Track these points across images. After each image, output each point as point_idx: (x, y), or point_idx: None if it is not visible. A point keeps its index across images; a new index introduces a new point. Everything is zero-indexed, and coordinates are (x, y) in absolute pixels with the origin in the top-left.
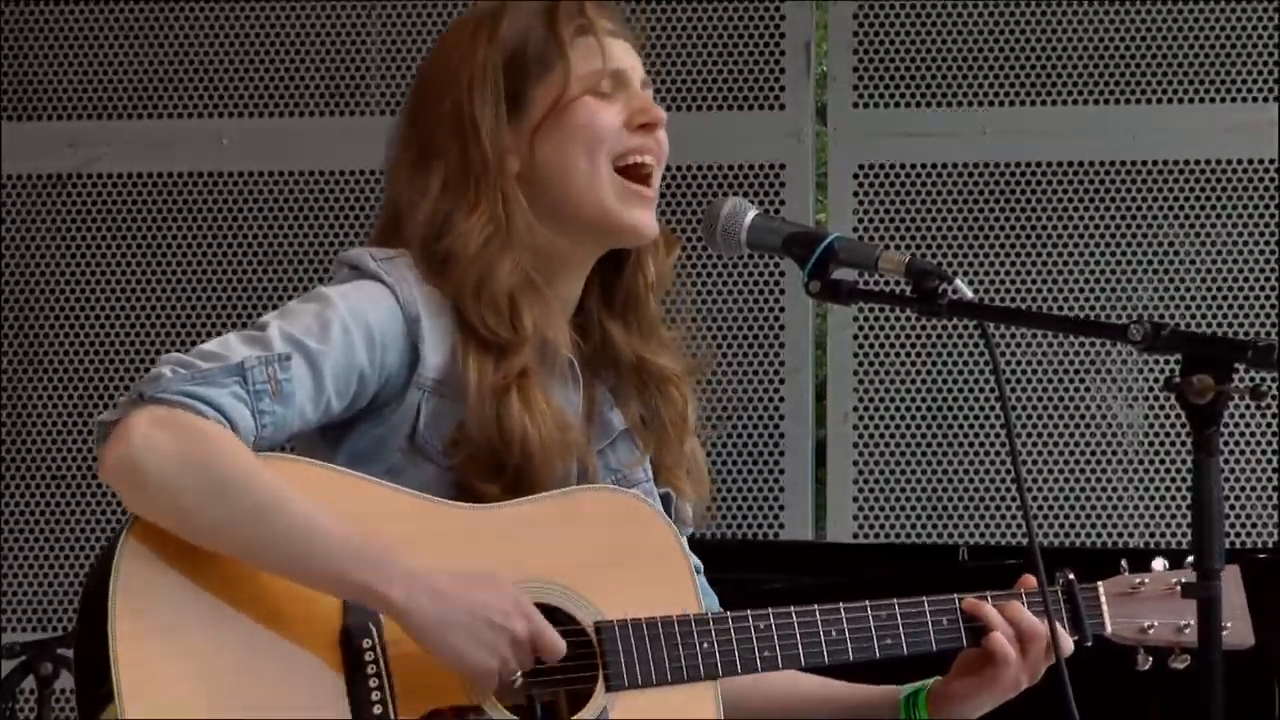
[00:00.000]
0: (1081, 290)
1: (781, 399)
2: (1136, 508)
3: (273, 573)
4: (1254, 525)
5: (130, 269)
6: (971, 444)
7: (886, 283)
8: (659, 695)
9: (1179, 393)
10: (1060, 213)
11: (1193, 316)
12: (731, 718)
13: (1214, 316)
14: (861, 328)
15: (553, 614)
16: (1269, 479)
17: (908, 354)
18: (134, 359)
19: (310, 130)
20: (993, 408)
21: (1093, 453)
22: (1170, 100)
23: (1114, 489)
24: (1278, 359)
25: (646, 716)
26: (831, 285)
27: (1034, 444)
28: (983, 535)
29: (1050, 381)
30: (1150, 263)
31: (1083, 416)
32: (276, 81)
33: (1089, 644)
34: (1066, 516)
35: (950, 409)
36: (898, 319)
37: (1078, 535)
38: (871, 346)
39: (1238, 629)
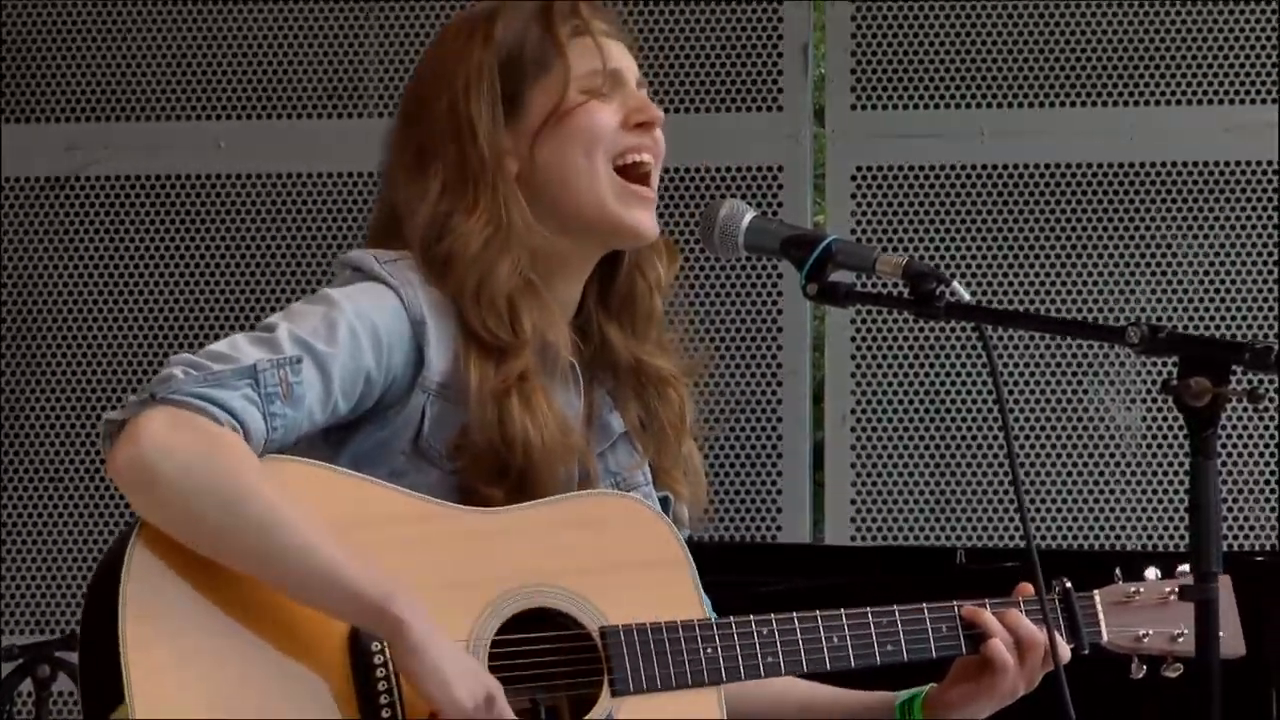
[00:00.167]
0: (1079, 292)
1: (779, 401)
2: (1134, 510)
3: (273, 586)
4: (1251, 528)
5: (128, 271)
6: (969, 446)
7: (884, 285)
8: (663, 700)
9: (1176, 395)
10: (1058, 215)
11: (1191, 319)
12: None
13: (1212, 319)
14: (859, 330)
15: (556, 618)
16: (1267, 482)
17: (905, 356)
18: (133, 361)
19: (307, 132)
20: (990, 410)
21: (1090, 455)
22: (1169, 102)
23: (1112, 491)
24: (1275, 361)
25: None
26: (829, 287)
27: (1032, 446)
28: (980, 538)
29: (1048, 384)
30: (1148, 265)
31: (1080, 419)
32: (273, 84)
33: (1086, 652)
34: (1064, 519)
35: (948, 411)
36: (895, 321)
37: (1075, 538)
38: (869, 349)
39: (1230, 638)
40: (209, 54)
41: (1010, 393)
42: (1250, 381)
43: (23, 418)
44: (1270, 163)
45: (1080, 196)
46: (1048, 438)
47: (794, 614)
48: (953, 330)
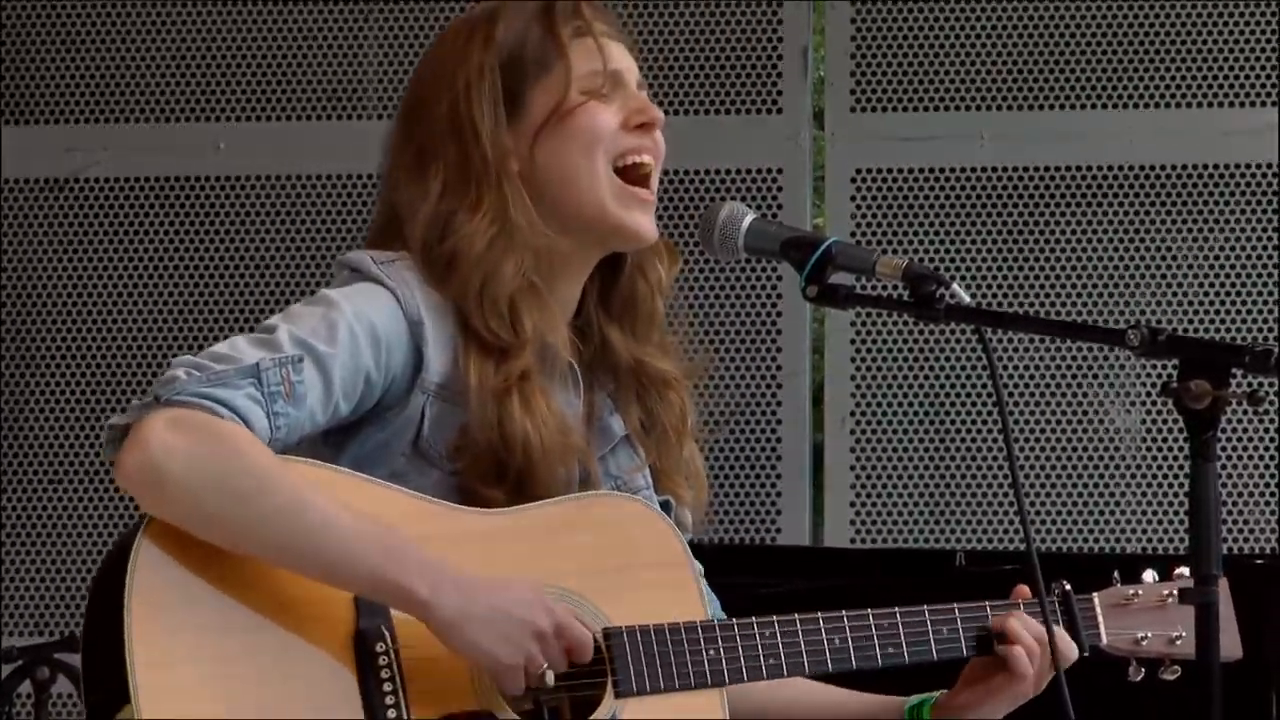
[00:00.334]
0: (1079, 295)
1: (779, 403)
2: (1134, 513)
3: (296, 572)
4: (1251, 531)
5: (127, 273)
6: (969, 448)
7: (884, 287)
8: (666, 701)
9: (1176, 398)
10: (1058, 217)
11: (1191, 322)
12: None
13: (1212, 322)
14: (859, 332)
15: None
16: (1266, 484)
17: (905, 359)
18: (132, 363)
19: (307, 134)
20: (990, 412)
21: (1090, 458)
22: (1169, 104)
23: (1111, 494)
24: (1275, 364)
25: None
26: (829, 290)
27: (1031, 449)
28: (980, 540)
29: (1048, 386)
30: (1149, 267)
31: (1080, 421)
32: (273, 85)
33: (1085, 655)
34: (1064, 521)
35: (948, 413)
36: (895, 323)
37: (1075, 540)
38: (869, 351)
39: (1227, 640)
40: (209, 56)
41: (1010, 395)
42: (1250, 384)
43: (22, 419)
44: (1270, 165)
45: (1080, 199)
46: (1047, 440)
47: (796, 616)
48: (952, 332)
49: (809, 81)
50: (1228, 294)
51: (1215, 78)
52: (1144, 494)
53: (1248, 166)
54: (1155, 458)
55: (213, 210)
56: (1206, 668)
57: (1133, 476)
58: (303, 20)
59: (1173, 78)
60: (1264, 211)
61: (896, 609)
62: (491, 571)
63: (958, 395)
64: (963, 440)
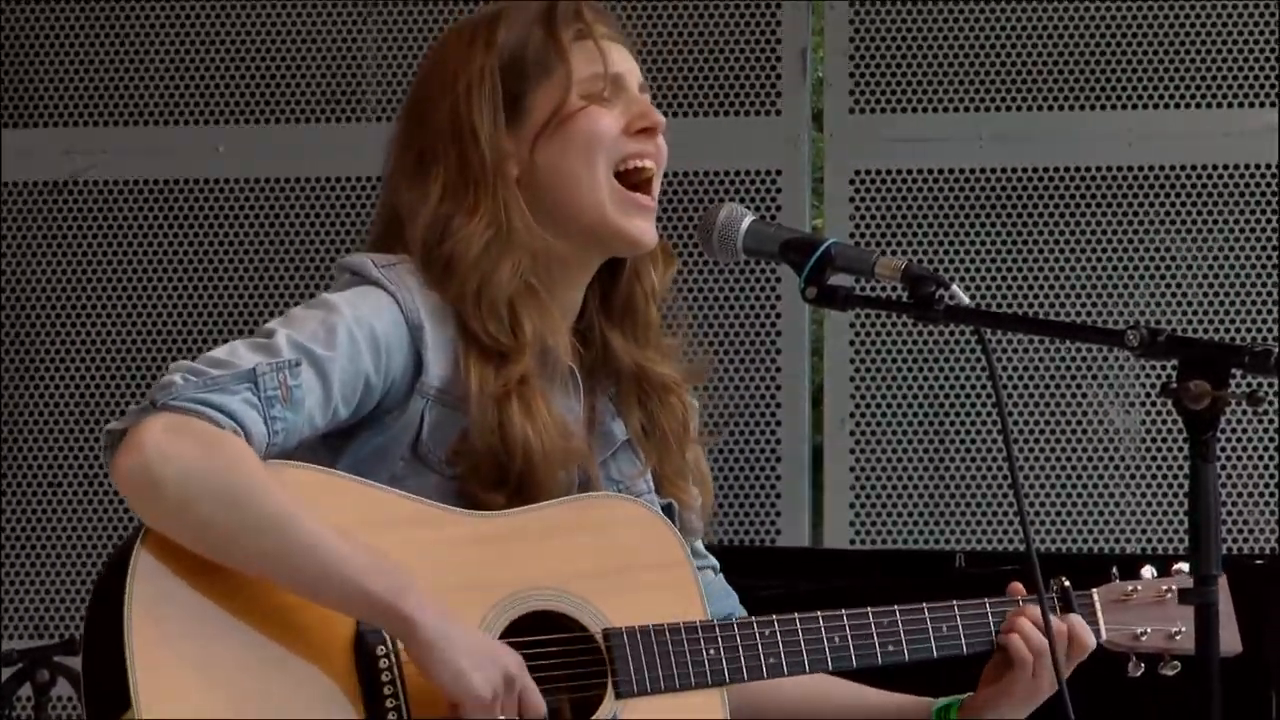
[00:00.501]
0: (1078, 296)
1: (778, 405)
2: (1133, 513)
3: (281, 585)
4: (1250, 532)
5: (126, 276)
6: (968, 449)
7: (883, 288)
8: (667, 701)
9: (1175, 398)
10: (1057, 218)
11: (1190, 322)
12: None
13: (1212, 322)
14: (858, 333)
15: (560, 621)
16: (1266, 485)
17: (904, 360)
18: (131, 366)
19: (306, 137)
20: (989, 413)
21: (1089, 458)
22: (1168, 105)
23: (1111, 495)
24: (1275, 365)
25: None
26: (828, 291)
27: (1031, 450)
28: (979, 541)
29: (1047, 387)
30: (1148, 268)
31: (1079, 422)
32: (272, 88)
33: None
34: (1063, 522)
35: (947, 415)
36: (894, 325)
37: (1074, 541)
38: (868, 352)
39: (1226, 635)
40: (208, 58)
41: (1009, 396)
42: (1250, 385)
43: (22, 422)
44: (1270, 166)
45: (1079, 200)
46: (1047, 441)
47: (796, 615)
48: (952, 334)
49: (808, 83)
50: (1227, 295)
51: (1215, 79)
52: (1143, 495)
53: (1247, 167)
54: (1155, 458)
55: (212, 213)
56: (1207, 668)
57: (1132, 477)
58: (302, 23)
59: (1172, 79)
60: (1264, 213)
61: (896, 607)
62: (491, 574)
63: (957, 396)
64: (962, 441)
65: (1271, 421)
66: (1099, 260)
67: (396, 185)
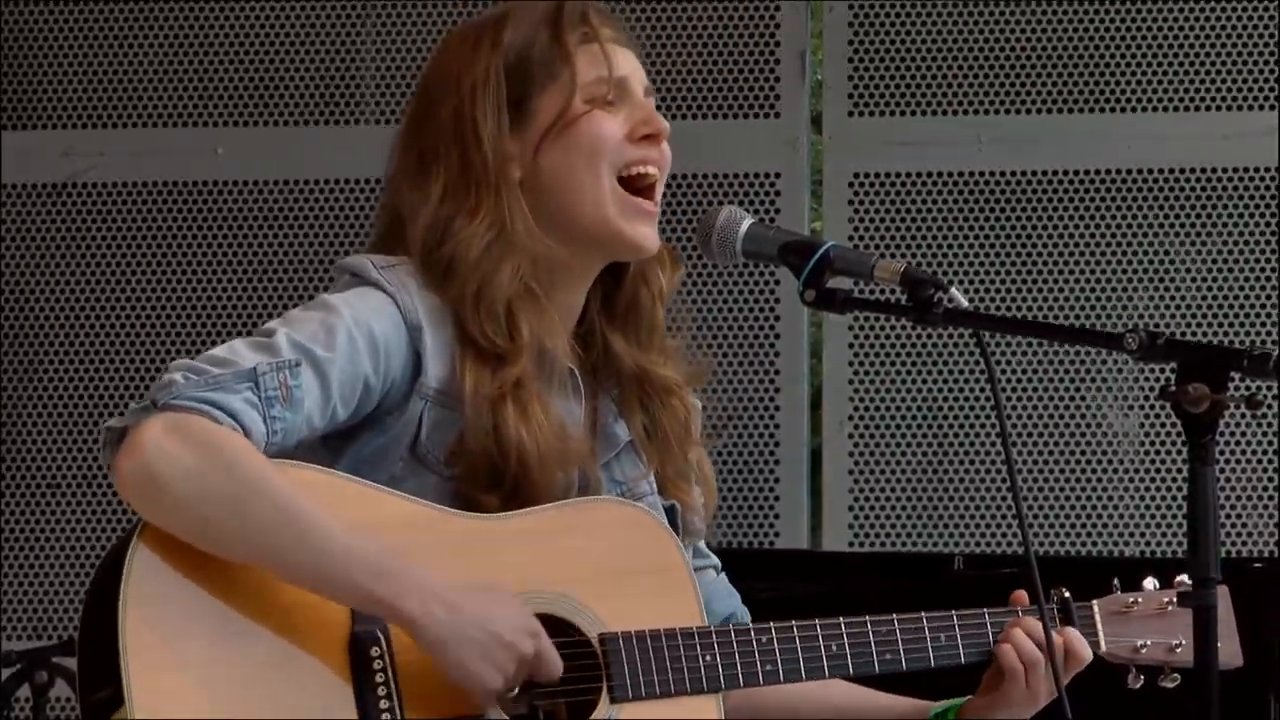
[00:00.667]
0: (1077, 299)
1: (777, 408)
2: (1132, 517)
3: (287, 581)
4: (1249, 534)
5: (125, 278)
6: (967, 452)
7: (882, 291)
8: (662, 706)
9: (1174, 401)
10: (1056, 221)
11: (1189, 325)
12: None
13: (1211, 325)
14: (857, 336)
15: (556, 625)
16: (1265, 487)
17: (903, 363)
18: (130, 367)
19: (305, 139)
20: (988, 416)
21: (1088, 461)
22: (1168, 108)
23: (1110, 498)
24: (1274, 368)
25: None
26: (827, 294)
27: (1029, 453)
28: (978, 544)
29: (1046, 390)
30: (1147, 271)
31: (1078, 425)
32: (271, 90)
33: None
34: (1062, 525)
35: (945, 418)
36: (893, 327)
37: (1073, 544)
38: (867, 355)
39: (1227, 648)
40: (207, 60)
41: (1008, 399)
42: (1249, 388)
43: (21, 423)
44: (1270, 169)
45: (1078, 203)
46: (1046, 444)
47: (793, 622)
48: (950, 336)
49: (806, 85)
50: (1227, 298)
51: (1214, 81)
52: (1142, 498)
53: (1247, 170)
54: (1154, 461)
55: (211, 215)
56: (1205, 671)
57: (1131, 480)
58: (300, 25)
59: (1171, 82)
60: (1263, 215)
61: (894, 616)
62: (488, 576)
63: (956, 399)
64: (961, 444)
65: (1270, 425)
66: (1098, 263)
67: (399, 186)
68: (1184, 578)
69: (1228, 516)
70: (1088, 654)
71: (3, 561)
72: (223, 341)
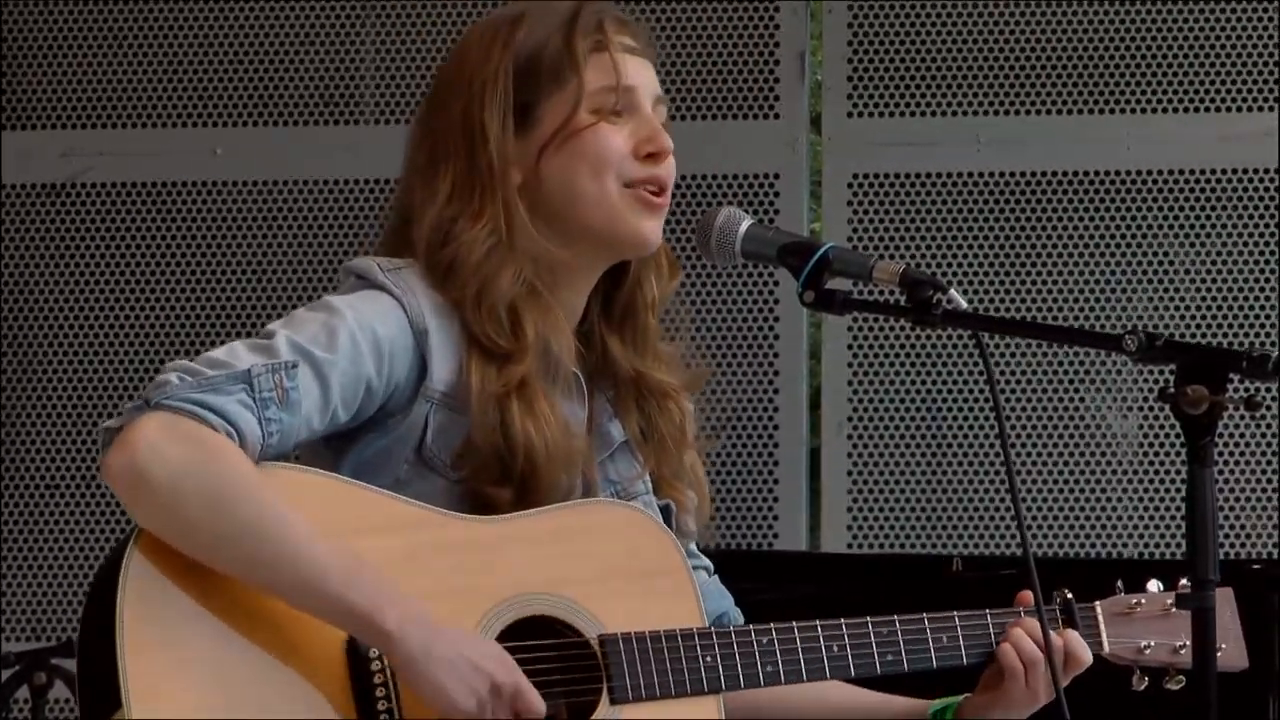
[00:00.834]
0: (1076, 300)
1: (775, 409)
2: (1131, 518)
3: (266, 590)
4: (1248, 536)
5: (124, 278)
6: (966, 454)
7: (881, 292)
8: (662, 708)
9: (1173, 403)
10: (1055, 222)
11: (1189, 327)
12: None
13: (1210, 327)
14: (856, 337)
15: (555, 627)
16: (1264, 489)
17: (902, 364)
18: (129, 368)
19: (304, 140)
20: (987, 418)
21: (1087, 463)
22: (1167, 109)
23: (1109, 499)
24: (1273, 369)
25: None
26: (826, 295)
27: (1028, 454)
28: (977, 545)
29: (1045, 391)
30: (1146, 273)
31: (1077, 427)
32: (270, 91)
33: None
34: (1061, 527)
35: (945, 419)
36: (892, 329)
37: (1072, 546)
38: (866, 356)
39: (1232, 651)
40: (206, 61)
41: (1007, 400)
42: (1248, 389)
43: (20, 425)
44: (1269, 170)
45: (1077, 204)
46: (1045, 445)
47: (794, 623)
48: (950, 338)
49: (806, 86)
50: (1226, 299)
51: (1213, 82)
52: (1141, 499)
53: (1245, 171)
54: (1153, 463)
55: (210, 215)
56: (1204, 671)
57: (1130, 482)
58: (299, 25)
59: (1170, 82)
60: (1262, 216)
61: (895, 617)
62: (486, 578)
63: (955, 400)
64: (960, 445)
65: (1270, 426)
66: (1097, 265)
67: (410, 183)
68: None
69: (1226, 518)
70: (1088, 656)
71: (2, 563)
72: (221, 342)
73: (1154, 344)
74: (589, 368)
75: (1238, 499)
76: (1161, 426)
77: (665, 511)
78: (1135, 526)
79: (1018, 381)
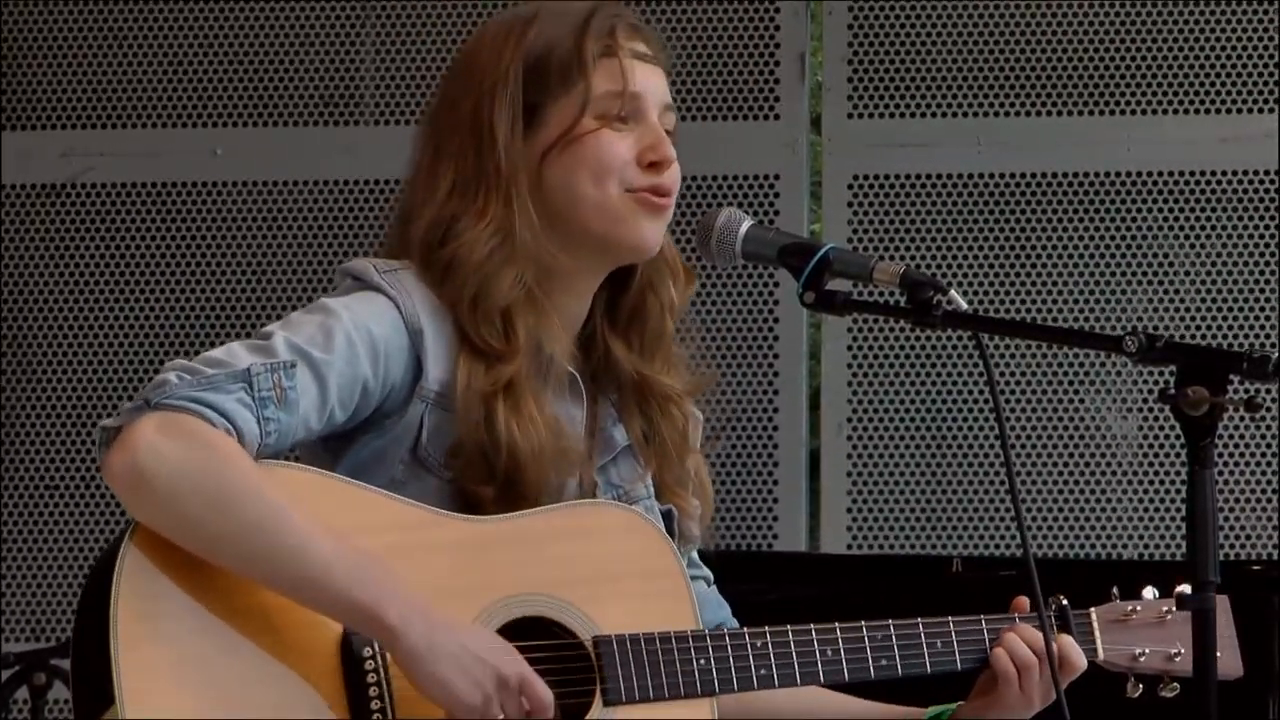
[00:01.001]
0: (1076, 301)
1: (775, 409)
2: (1131, 519)
3: (268, 587)
4: (1248, 537)
5: (123, 279)
6: (966, 455)
7: (881, 293)
8: (656, 709)
9: (1174, 404)
10: (1055, 224)
11: (1188, 328)
12: None
13: (1210, 328)
14: (856, 338)
15: (550, 628)
16: (1264, 490)
17: (902, 365)
18: (129, 368)
19: (304, 140)
20: (987, 419)
21: (1087, 464)
22: (1167, 110)
23: (1109, 501)
24: (1273, 370)
25: None
26: (826, 296)
27: (1028, 455)
28: (976, 546)
29: (1045, 393)
30: (1146, 274)
31: (1077, 428)
32: (270, 92)
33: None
34: (1061, 528)
35: (944, 420)
36: (892, 330)
37: (1072, 547)
38: (866, 357)
39: (1228, 659)
40: (206, 61)
41: (1007, 401)
42: (1248, 390)
43: (19, 425)
44: (1269, 172)
45: (1077, 205)
46: (1044, 447)
47: (788, 627)
48: (949, 339)
49: (806, 87)
50: (1226, 300)
51: (1214, 84)
52: (1141, 501)
53: (1246, 173)
54: (1153, 464)
55: (210, 216)
56: (1204, 672)
57: (1130, 483)
58: (299, 26)
59: (1171, 84)
60: (1262, 218)
61: (890, 622)
62: (482, 578)
63: (955, 401)
64: (960, 446)
65: (1270, 427)
66: (1097, 266)
67: (414, 181)
68: (1185, 587)
69: (1226, 519)
70: (1082, 662)
71: (2, 563)
72: (221, 342)
73: (1154, 345)
74: (592, 371)
75: (1238, 500)
76: (1161, 428)
77: (668, 516)
78: (1135, 527)
79: (1018, 382)
